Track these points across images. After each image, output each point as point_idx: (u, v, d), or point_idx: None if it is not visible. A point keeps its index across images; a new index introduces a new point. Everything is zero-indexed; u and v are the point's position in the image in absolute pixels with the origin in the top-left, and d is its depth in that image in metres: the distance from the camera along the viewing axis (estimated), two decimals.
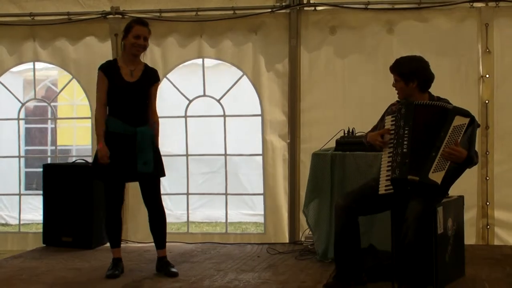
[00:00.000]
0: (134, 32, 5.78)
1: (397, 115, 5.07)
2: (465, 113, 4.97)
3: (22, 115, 9.18)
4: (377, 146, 5.18)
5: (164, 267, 5.96)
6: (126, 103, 5.80)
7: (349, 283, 5.18)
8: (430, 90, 5.25)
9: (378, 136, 5.15)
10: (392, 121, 5.11)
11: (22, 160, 10.08)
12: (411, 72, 5.12)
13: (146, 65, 5.97)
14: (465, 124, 4.91)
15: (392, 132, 5.07)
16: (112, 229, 6.02)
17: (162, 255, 6.01)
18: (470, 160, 4.96)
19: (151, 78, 5.92)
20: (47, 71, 9.96)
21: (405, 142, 4.97)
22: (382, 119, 5.32)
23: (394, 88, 5.25)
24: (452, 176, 5.02)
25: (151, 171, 5.77)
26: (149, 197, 5.92)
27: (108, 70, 5.85)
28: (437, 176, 4.86)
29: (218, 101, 7.71)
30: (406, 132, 4.98)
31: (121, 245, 6.07)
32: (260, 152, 7.57)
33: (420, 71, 5.16)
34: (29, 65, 8.24)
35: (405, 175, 4.93)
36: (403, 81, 5.13)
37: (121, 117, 5.79)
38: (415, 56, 5.27)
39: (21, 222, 8.31)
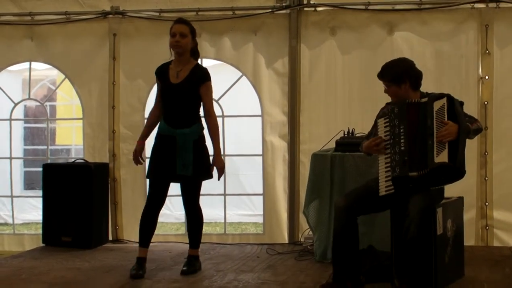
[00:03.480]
0: (171, 31, 5.83)
1: (390, 115, 5.10)
2: (440, 96, 5.02)
3: (19, 115, 9.16)
4: (373, 152, 5.21)
5: (184, 264, 6.01)
6: (170, 105, 5.85)
7: (346, 284, 5.15)
8: (429, 89, 5.28)
9: (372, 144, 5.16)
10: (385, 122, 5.13)
11: (20, 161, 10.10)
12: (402, 73, 5.16)
13: (196, 65, 5.92)
14: (444, 103, 4.95)
15: (387, 133, 5.08)
16: (145, 228, 5.97)
17: (190, 254, 6.06)
18: (464, 129, 4.95)
19: (197, 79, 5.84)
20: (47, 71, 9.95)
21: (402, 140, 5.00)
22: (375, 125, 5.35)
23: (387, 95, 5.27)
24: (457, 149, 4.96)
25: (190, 174, 5.78)
26: (185, 199, 5.95)
27: (159, 72, 5.95)
28: (442, 157, 4.88)
29: (217, 101, 7.71)
30: (401, 130, 5.01)
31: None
32: (260, 153, 7.57)
33: (409, 70, 5.21)
34: (27, 65, 8.20)
35: (406, 173, 4.96)
36: (395, 84, 5.16)
37: (165, 119, 5.86)
38: (398, 58, 5.37)
39: (21, 222, 8.29)
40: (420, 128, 4.98)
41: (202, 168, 5.85)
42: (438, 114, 4.94)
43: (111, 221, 7.64)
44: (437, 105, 4.96)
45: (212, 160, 5.90)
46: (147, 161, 6.10)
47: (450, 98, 4.99)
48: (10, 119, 8.20)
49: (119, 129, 7.66)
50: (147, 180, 6.08)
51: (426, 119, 4.95)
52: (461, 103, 5.12)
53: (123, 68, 7.67)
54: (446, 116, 4.93)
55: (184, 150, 5.76)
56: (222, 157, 6.10)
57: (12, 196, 8.28)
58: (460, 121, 4.97)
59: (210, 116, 5.89)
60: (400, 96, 5.16)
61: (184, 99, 5.81)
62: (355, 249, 5.20)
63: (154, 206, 5.92)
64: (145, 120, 6.82)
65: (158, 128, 5.92)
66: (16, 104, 8.21)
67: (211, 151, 5.92)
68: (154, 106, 6.05)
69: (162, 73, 5.92)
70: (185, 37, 5.80)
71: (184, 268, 5.95)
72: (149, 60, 7.15)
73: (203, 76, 5.87)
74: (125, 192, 7.66)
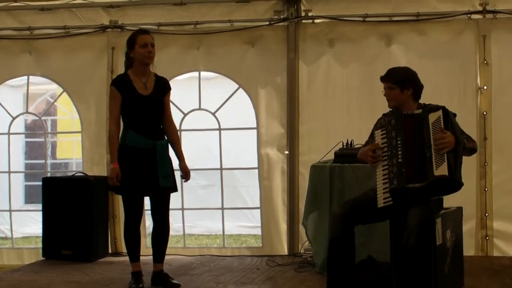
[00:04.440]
0: (140, 42, 5.75)
1: (388, 127, 5.10)
2: (435, 108, 5.04)
3: (19, 129, 9.16)
4: (368, 161, 5.18)
5: (164, 279, 5.91)
6: (143, 116, 5.77)
7: None
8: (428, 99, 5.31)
9: (369, 151, 5.15)
10: (382, 134, 5.13)
11: (21, 175, 10.11)
12: (407, 79, 5.22)
13: (156, 75, 5.92)
14: (440, 116, 4.96)
15: (384, 145, 5.08)
16: (131, 243, 5.94)
17: (160, 269, 5.96)
18: (460, 142, 4.96)
19: (163, 89, 5.89)
20: (47, 86, 9.98)
21: (400, 152, 5.00)
22: (372, 136, 5.35)
23: (386, 97, 5.28)
24: (455, 161, 4.99)
25: (171, 185, 5.78)
26: (158, 210, 5.88)
27: (120, 85, 5.79)
28: (442, 170, 4.88)
29: (214, 114, 7.72)
30: (399, 142, 5.01)
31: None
32: (256, 165, 7.58)
33: (415, 79, 5.27)
34: (31, 79, 8.24)
35: (404, 185, 4.95)
36: (399, 88, 5.19)
37: (139, 131, 5.75)
38: (404, 66, 5.44)
39: (21, 236, 8.28)
40: (417, 140, 4.98)
41: (174, 179, 5.86)
42: (434, 126, 4.94)
43: (110, 234, 7.65)
44: (432, 117, 4.97)
45: (180, 166, 5.89)
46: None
47: (445, 111, 5.00)
48: (9, 133, 8.20)
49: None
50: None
51: (423, 131, 4.97)
52: (454, 115, 5.13)
53: None
54: (442, 127, 4.93)
55: (164, 161, 5.74)
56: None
57: (10, 210, 8.29)
58: (456, 132, 4.98)
59: (173, 124, 5.97)
60: (400, 101, 5.19)
61: (157, 110, 5.80)
62: (351, 258, 5.17)
63: (136, 221, 5.90)
64: None
65: (127, 140, 5.75)
66: (14, 118, 8.20)
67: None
68: (113, 122, 5.77)
69: (125, 85, 5.78)
70: (153, 48, 5.81)
71: (172, 281, 5.88)
72: None
73: (168, 85, 5.96)
74: (118, 204, 7.63)
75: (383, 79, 5.29)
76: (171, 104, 6.04)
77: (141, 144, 5.73)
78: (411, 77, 5.26)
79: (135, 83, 5.77)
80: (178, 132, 6.06)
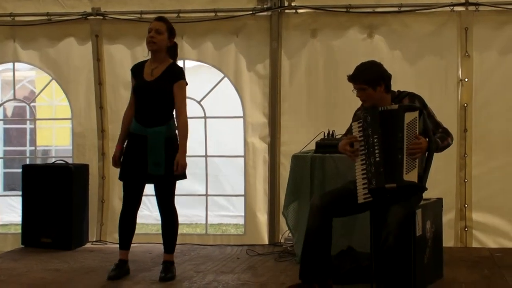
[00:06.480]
0: (148, 28, 5.75)
1: (364, 123, 5.03)
2: (412, 108, 4.97)
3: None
4: (347, 155, 5.14)
5: (162, 270, 5.87)
6: (142, 103, 5.75)
7: (312, 285, 5.09)
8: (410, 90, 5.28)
9: (347, 146, 5.10)
10: (359, 127, 5.07)
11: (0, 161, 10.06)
12: (377, 76, 5.06)
13: (171, 64, 5.80)
14: (416, 118, 4.91)
15: (361, 139, 5.03)
16: (124, 231, 5.92)
17: (166, 259, 5.92)
18: (433, 147, 4.97)
19: (171, 77, 5.72)
20: (25, 72, 9.92)
21: (377, 151, 4.94)
22: (351, 126, 5.28)
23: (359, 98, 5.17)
24: (425, 167, 5.03)
25: (161, 173, 5.66)
26: (159, 199, 5.83)
27: (135, 70, 5.86)
28: (412, 176, 4.87)
29: (199, 102, 7.71)
30: (375, 140, 4.95)
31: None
32: (241, 154, 7.58)
33: (384, 72, 5.12)
34: (7, 65, 8.19)
35: (382, 184, 4.92)
36: (371, 87, 5.04)
37: (137, 118, 5.76)
38: (369, 61, 5.20)
39: (0, 223, 8.23)
40: (391, 139, 4.92)
41: (171, 167, 5.67)
42: (409, 127, 4.89)
43: (97, 218, 7.65)
44: (408, 117, 4.90)
45: (176, 157, 5.69)
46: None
47: (420, 112, 4.95)
48: None
49: (108, 129, 7.68)
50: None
51: (397, 130, 4.91)
52: (424, 105, 5.11)
53: (108, 68, 7.65)
54: (417, 130, 4.89)
55: (156, 149, 5.64)
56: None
57: None
58: (430, 137, 4.97)
59: (181, 115, 5.72)
60: (376, 100, 5.06)
61: (157, 97, 5.70)
62: (327, 250, 5.12)
63: (130, 208, 5.87)
64: None
65: (131, 127, 5.80)
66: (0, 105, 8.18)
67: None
68: (128, 107, 5.93)
69: (137, 70, 5.83)
70: (161, 34, 5.69)
71: (162, 275, 5.81)
72: (132, 61, 7.12)
73: (178, 74, 5.77)
74: (113, 190, 7.65)
75: (352, 80, 5.12)
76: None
77: (137, 130, 5.73)
78: (380, 72, 5.10)
79: (145, 69, 5.77)
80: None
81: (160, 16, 5.91)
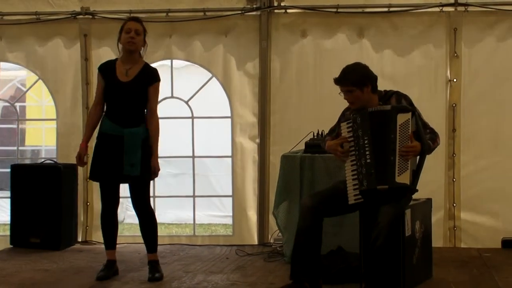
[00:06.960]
0: (125, 28, 5.72)
1: (353, 124, 5.03)
2: (404, 109, 4.97)
3: None
4: (337, 157, 5.14)
5: (149, 270, 5.86)
6: (118, 103, 5.72)
7: (303, 285, 5.10)
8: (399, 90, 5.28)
9: (338, 146, 5.10)
10: (348, 128, 5.06)
11: None
12: (363, 78, 5.06)
13: (145, 65, 5.82)
14: (409, 119, 4.91)
15: (351, 140, 5.03)
16: (107, 231, 5.92)
17: (150, 259, 5.91)
18: (425, 149, 4.98)
19: (148, 78, 5.75)
20: (16, 71, 9.89)
21: (367, 153, 4.94)
22: (339, 125, 5.26)
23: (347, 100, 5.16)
24: (417, 169, 5.04)
25: (137, 173, 5.65)
26: (135, 200, 5.81)
27: (105, 69, 5.81)
28: (404, 178, 4.88)
29: (187, 102, 7.70)
30: (366, 141, 4.95)
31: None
32: (229, 154, 7.57)
33: (369, 73, 5.13)
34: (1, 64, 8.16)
35: (373, 186, 4.92)
36: (358, 89, 5.03)
37: (111, 118, 5.72)
38: (354, 63, 5.21)
39: None
40: (383, 140, 4.93)
41: (150, 168, 5.71)
42: (401, 129, 4.89)
43: (82, 220, 7.62)
44: (401, 118, 4.91)
45: (152, 162, 5.72)
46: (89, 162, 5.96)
47: (413, 113, 4.96)
48: None
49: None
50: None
51: (390, 131, 4.91)
52: (411, 104, 5.12)
53: (96, 68, 7.61)
54: (410, 131, 4.90)
55: (132, 149, 5.63)
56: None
57: None
58: (422, 138, 4.97)
59: (154, 117, 5.77)
60: (363, 101, 5.06)
61: (133, 98, 5.71)
62: (317, 251, 5.13)
63: (110, 208, 5.87)
64: None
65: (102, 127, 5.76)
66: None
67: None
68: (94, 105, 5.88)
69: (108, 70, 5.79)
70: (139, 35, 5.71)
71: (150, 275, 5.80)
72: None
73: (154, 76, 5.80)
74: (98, 192, 7.58)
75: (339, 82, 5.11)
76: None
77: (112, 131, 5.69)
78: (366, 73, 5.10)
79: (117, 69, 5.74)
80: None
81: (135, 17, 5.95)
